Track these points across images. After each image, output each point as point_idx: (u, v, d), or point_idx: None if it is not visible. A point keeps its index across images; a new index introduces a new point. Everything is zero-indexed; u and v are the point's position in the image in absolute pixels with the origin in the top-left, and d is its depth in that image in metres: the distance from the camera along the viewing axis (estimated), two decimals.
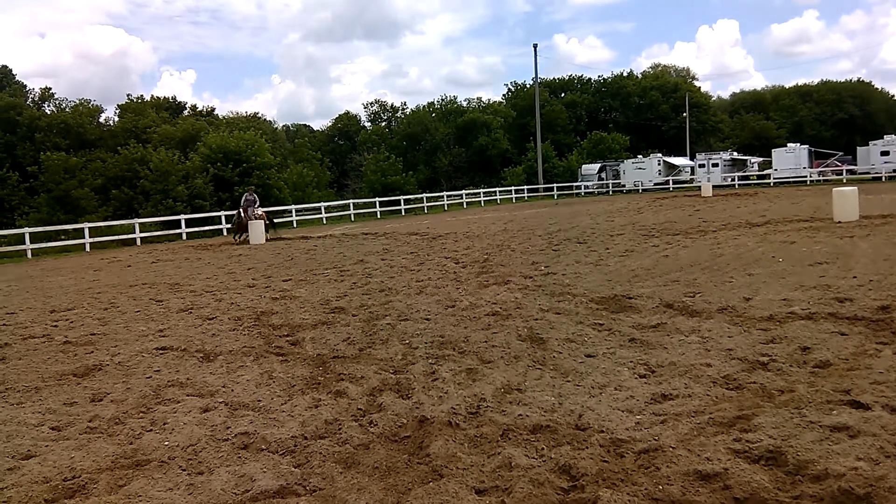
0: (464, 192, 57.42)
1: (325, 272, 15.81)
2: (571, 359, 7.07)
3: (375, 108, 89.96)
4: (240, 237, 29.10)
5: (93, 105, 60.77)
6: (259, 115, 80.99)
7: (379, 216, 45.81)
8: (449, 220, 35.61)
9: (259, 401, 6.37)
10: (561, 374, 6.57)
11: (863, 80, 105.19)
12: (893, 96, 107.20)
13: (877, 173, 55.36)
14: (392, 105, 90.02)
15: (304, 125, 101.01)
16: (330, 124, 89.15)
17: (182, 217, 35.78)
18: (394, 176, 54.17)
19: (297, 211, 42.46)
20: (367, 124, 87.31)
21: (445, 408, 5.75)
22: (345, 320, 9.89)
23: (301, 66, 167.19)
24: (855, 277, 10.41)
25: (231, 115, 74.83)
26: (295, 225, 40.93)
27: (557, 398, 5.88)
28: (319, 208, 44.11)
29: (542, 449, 4.86)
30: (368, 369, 7.14)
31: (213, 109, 73.28)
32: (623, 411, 5.48)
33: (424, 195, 52.27)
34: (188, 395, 6.65)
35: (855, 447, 4.44)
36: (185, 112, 68.55)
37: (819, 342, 6.99)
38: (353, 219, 44.27)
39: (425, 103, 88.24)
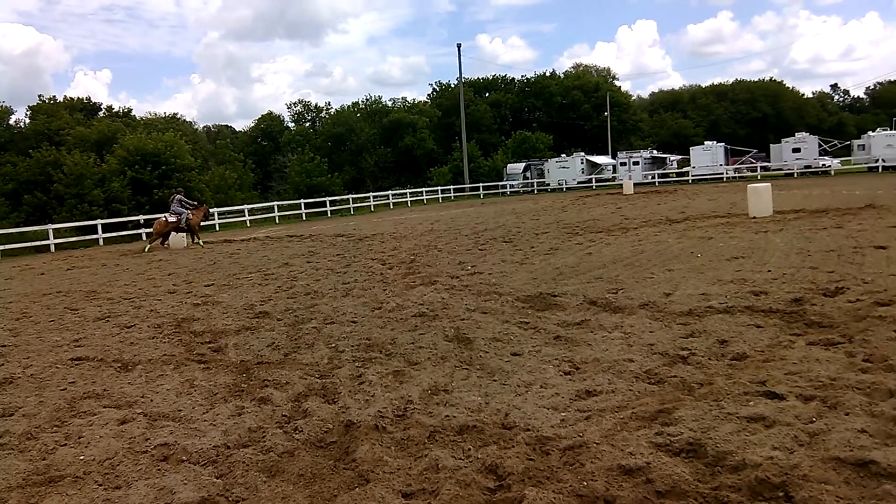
0: (390, 192, 57.25)
1: (249, 276, 15.53)
2: (498, 358, 7.11)
3: (299, 108, 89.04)
4: (164, 241, 27.20)
5: (2, 106, 58.38)
6: (178, 115, 79.21)
7: (304, 218, 45.29)
8: (375, 221, 35.47)
9: (179, 410, 6.20)
10: (487, 374, 6.60)
11: (775, 80, 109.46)
12: (803, 95, 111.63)
13: (789, 170, 57.47)
14: (316, 105, 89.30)
15: (226, 126, 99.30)
16: (252, 125, 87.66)
17: (99, 222, 34.63)
18: (319, 177, 53.65)
19: (219, 214, 41.60)
20: (291, 125, 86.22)
21: (372, 411, 5.70)
22: (269, 325, 9.72)
23: (221, 66, 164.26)
24: (769, 271, 10.77)
25: (149, 116, 72.98)
26: (217, 228, 40.11)
27: (484, 398, 5.90)
28: (243, 211, 43.29)
29: (469, 449, 4.87)
30: (293, 374, 7.03)
31: (130, 110, 71.26)
32: (548, 409, 5.53)
33: (350, 196, 52.01)
34: (105, 407, 6.42)
35: (770, 437, 4.58)
36: (101, 113, 66.38)
37: (736, 335, 7.20)
38: (277, 221, 43.64)
39: (350, 103, 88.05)
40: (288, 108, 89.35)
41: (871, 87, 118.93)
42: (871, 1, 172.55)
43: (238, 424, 5.70)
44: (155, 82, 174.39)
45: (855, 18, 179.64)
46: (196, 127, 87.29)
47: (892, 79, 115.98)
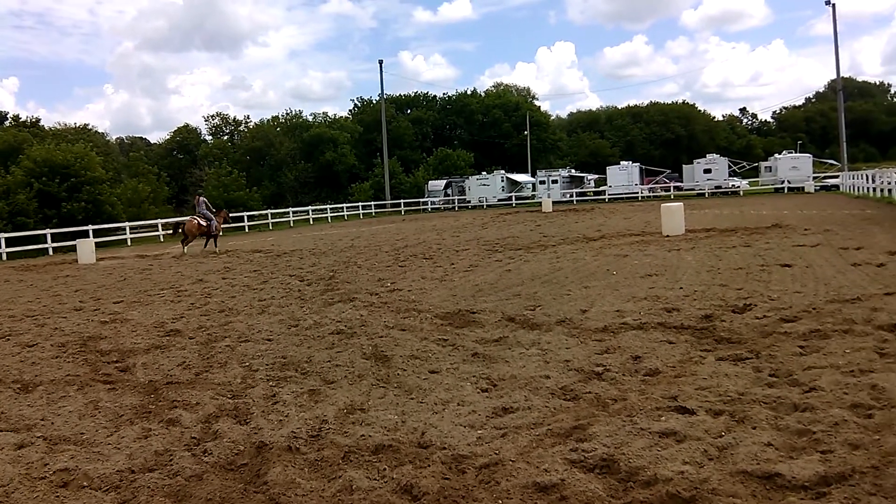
0: (310, 207, 56.72)
1: (161, 293, 15.06)
2: (415, 376, 7.05)
3: (217, 121, 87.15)
4: (186, 243, 26.96)
5: None
6: (90, 126, 76.54)
7: (221, 233, 44.32)
8: (295, 237, 35.02)
9: (82, 433, 5.92)
10: (405, 392, 6.53)
11: (687, 103, 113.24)
12: (714, 118, 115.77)
13: (700, 190, 59.51)
14: (235, 118, 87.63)
15: (140, 138, 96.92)
16: (168, 137, 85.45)
17: (2, 236, 33.12)
18: (237, 191, 52.84)
19: (131, 228, 40.40)
20: (209, 138, 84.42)
21: (285, 432, 5.56)
22: (180, 343, 9.42)
23: (136, 76, 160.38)
24: (681, 288, 11.05)
25: (59, 127, 70.39)
26: (129, 243, 38.93)
27: (401, 416, 5.83)
28: (156, 225, 42.13)
29: (384, 469, 4.78)
30: (204, 395, 6.81)
31: (38, 120, 68.59)
32: (465, 426, 5.49)
33: (269, 211, 51.24)
34: (1, 431, 6.08)
35: (681, 451, 4.65)
36: (7, 123, 63.75)
37: (649, 351, 7.33)
38: None
39: (270, 117, 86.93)
40: (205, 120, 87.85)
41: (777, 111, 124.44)
42: (776, 30, 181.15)
43: (144, 447, 5.47)
44: (66, 92, 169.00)
45: (762, 45, 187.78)
46: (108, 138, 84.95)
47: (797, 104, 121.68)
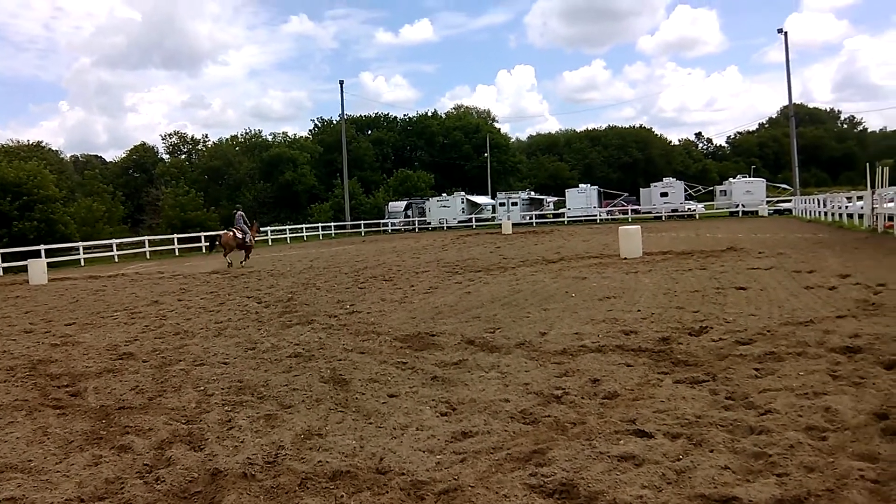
0: (269, 228, 56.22)
1: (115, 315, 14.76)
2: (374, 399, 6.98)
3: (175, 139, 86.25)
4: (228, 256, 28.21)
5: None
6: (43, 144, 75.14)
7: (177, 254, 43.77)
8: (253, 258, 34.61)
9: (30, 461, 5.74)
10: (363, 416, 6.46)
11: (644, 127, 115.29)
12: (671, 142, 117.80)
13: (657, 213, 60.43)
14: (193, 137, 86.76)
15: (96, 156, 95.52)
16: (124, 156, 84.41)
17: None
18: (194, 211, 52.19)
19: (84, 248, 39.66)
20: (166, 156, 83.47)
21: (241, 458, 5.45)
22: (134, 367, 9.22)
23: (93, 93, 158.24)
24: (639, 311, 11.14)
25: (10, 144, 68.99)
26: (83, 263, 38.18)
27: (359, 441, 5.75)
28: (111, 245, 41.40)
29: (342, 496, 4.71)
30: (158, 420, 6.66)
31: None
32: (424, 451, 5.44)
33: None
34: None
35: (640, 475, 4.65)
36: None
37: (608, 374, 7.35)
38: (148, 256, 42.01)
39: (228, 136, 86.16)
40: (163, 139, 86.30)
41: (732, 136, 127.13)
42: (731, 56, 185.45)
43: (94, 475, 5.32)
44: (20, 108, 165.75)
45: (717, 72, 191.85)
46: (63, 156, 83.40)
47: (751, 129, 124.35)
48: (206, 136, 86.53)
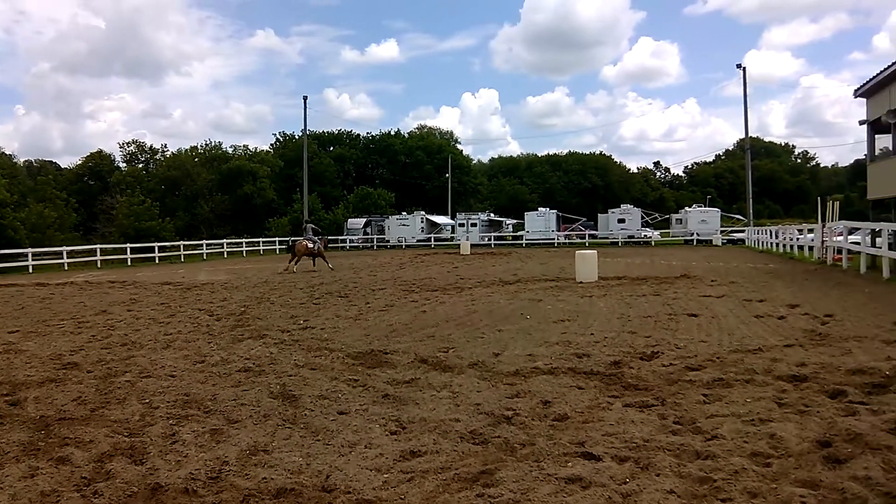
0: (225, 241, 55.59)
1: (61, 323, 14.41)
2: (323, 416, 6.89)
3: (133, 148, 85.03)
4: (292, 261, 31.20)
5: None
6: None
7: (130, 263, 43.00)
8: (207, 270, 34.19)
9: None
10: (311, 433, 6.36)
11: (604, 154, 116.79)
12: (629, 169, 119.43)
13: (614, 239, 61.17)
14: (151, 146, 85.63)
15: (50, 162, 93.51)
16: (80, 162, 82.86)
17: None
18: (149, 221, 51.39)
19: (34, 255, 38.71)
20: (123, 165, 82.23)
21: (183, 473, 5.32)
22: (77, 377, 8.98)
23: (50, 98, 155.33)
24: (592, 334, 11.21)
25: None
26: (31, 270, 37.27)
27: (305, 459, 5.66)
28: (61, 252, 40.52)
29: None
30: (99, 432, 6.48)
31: None
32: (371, 470, 5.37)
33: (182, 243, 49.95)
34: None
35: (586, 498, 4.65)
36: None
37: (559, 396, 7.36)
38: (99, 265, 41.18)
39: (188, 147, 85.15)
40: (121, 147, 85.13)
41: (689, 166, 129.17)
42: (691, 89, 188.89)
43: (29, 488, 5.14)
44: None
45: (676, 103, 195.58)
46: (16, 161, 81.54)
47: (707, 160, 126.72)
48: (165, 146, 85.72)
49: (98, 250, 43.06)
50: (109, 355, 10.52)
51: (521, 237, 65.42)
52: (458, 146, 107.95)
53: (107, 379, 8.85)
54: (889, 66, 22.27)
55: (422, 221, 68.74)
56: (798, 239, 34.95)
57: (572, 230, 67.45)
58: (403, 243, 65.76)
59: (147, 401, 7.64)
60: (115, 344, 11.60)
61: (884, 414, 6.20)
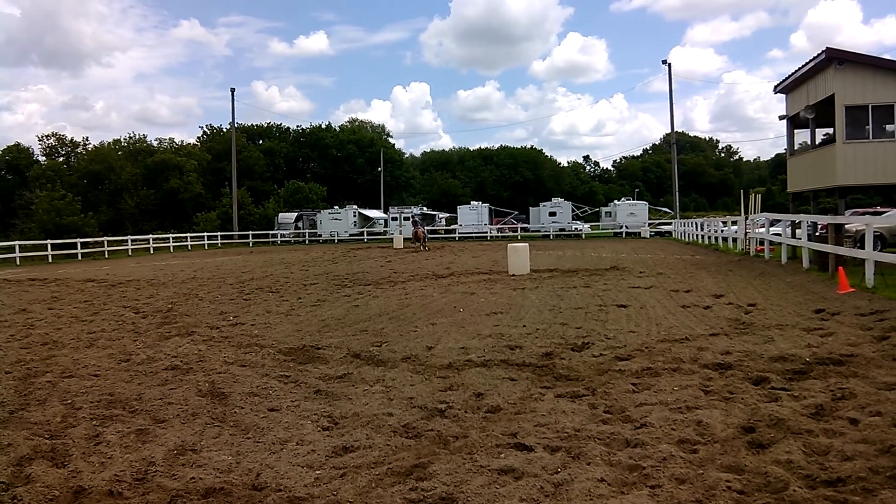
0: (151, 236, 54.18)
1: None
2: (253, 414, 6.77)
3: (52, 141, 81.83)
4: (422, 246, 41.29)
5: None
6: None
7: (51, 260, 41.54)
8: (133, 266, 33.28)
9: None
10: (241, 431, 6.25)
11: (535, 148, 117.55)
12: (559, 163, 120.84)
13: (546, 232, 61.87)
14: (72, 139, 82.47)
15: None
16: None
17: None
18: (70, 216, 49.77)
19: None
20: (42, 158, 79.20)
21: (107, 475, 5.16)
22: None
23: None
24: (524, 326, 11.31)
25: None
26: None
27: (235, 457, 5.56)
28: None
29: None
30: (18, 435, 6.22)
31: None
32: (303, 467, 5.30)
33: (106, 238, 48.44)
34: None
35: (519, 489, 4.68)
36: None
37: (492, 388, 7.40)
38: (18, 263, 39.67)
39: (111, 140, 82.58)
40: (40, 140, 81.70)
41: (618, 160, 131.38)
42: (618, 84, 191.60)
43: None
44: None
45: (605, 98, 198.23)
46: None
47: (635, 154, 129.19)
48: (87, 139, 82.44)
49: (17, 247, 41.49)
50: (29, 355, 10.15)
51: (453, 230, 65.60)
52: (390, 140, 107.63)
53: (26, 380, 8.53)
54: (806, 64, 23.04)
55: (354, 215, 68.30)
56: (722, 231, 35.94)
57: (504, 223, 67.99)
58: (336, 238, 65.23)
59: (69, 401, 7.39)
60: (35, 343, 11.20)
61: (804, 399, 6.41)
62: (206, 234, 60.41)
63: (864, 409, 6.01)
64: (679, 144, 71.69)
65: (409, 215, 57.90)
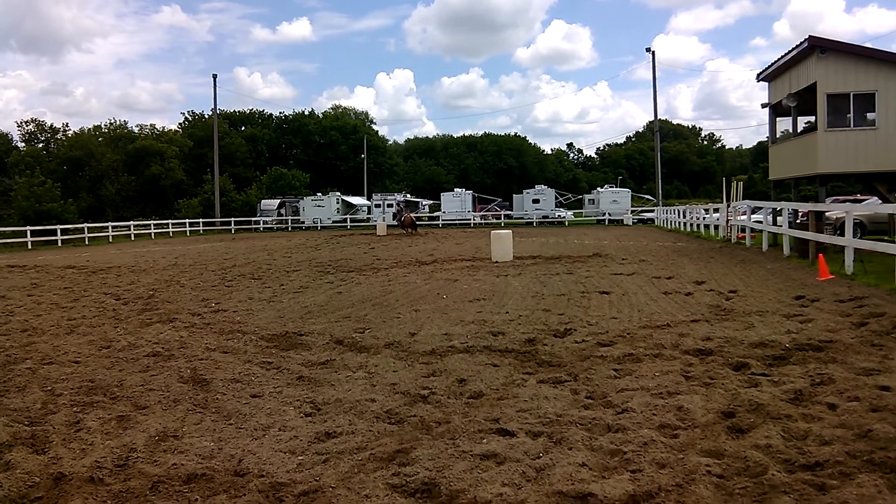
0: (132, 223, 53.78)
1: None
2: (235, 400, 6.75)
3: (32, 127, 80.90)
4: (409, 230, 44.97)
5: None
6: None
7: (30, 247, 41.15)
8: (113, 253, 33.02)
9: None
10: (223, 417, 6.23)
11: (519, 135, 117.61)
12: (543, 151, 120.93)
13: (529, 219, 61.98)
14: (52, 126, 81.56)
15: None
16: None
17: None
18: (50, 203, 49.28)
19: None
20: (21, 145, 78.34)
21: (88, 462, 5.13)
22: None
23: None
24: (507, 313, 11.33)
25: None
26: None
27: (217, 443, 5.54)
28: None
29: (196, 500, 4.51)
30: None
31: None
32: (285, 453, 5.30)
33: (86, 225, 48.03)
34: None
35: (501, 473, 4.69)
36: None
37: (474, 374, 7.42)
38: None
39: (91, 126, 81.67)
40: (19, 126, 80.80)
41: (601, 147, 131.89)
42: (602, 72, 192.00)
43: None
44: None
45: (589, 86, 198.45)
46: None
47: (619, 142, 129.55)
48: (67, 126, 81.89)
49: None
50: (8, 342, 10.06)
51: (437, 217, 65.56)
52: (374, 127, 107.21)
53: (5, 366, 8.46)
54: (789, 52, 23.12)
55: (337, 202, 68.14)
56: (704, 218, 36.16)
57: (488, 210, 68.03)
58: (319, 224, 65.04)
59: (49, 388, 7.34)
60: (14, 330, 11.10)
61: (784, 385, 6.48)
62: (187, 220, 60.05)
63: (843, 395, 6.08)
64: (662, 132, 71.89)
65: (393, 203, 59.52)
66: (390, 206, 65.79)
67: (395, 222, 49.66)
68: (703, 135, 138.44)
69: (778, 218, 24.13)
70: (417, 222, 65.31)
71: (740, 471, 4.61)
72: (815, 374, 6.75)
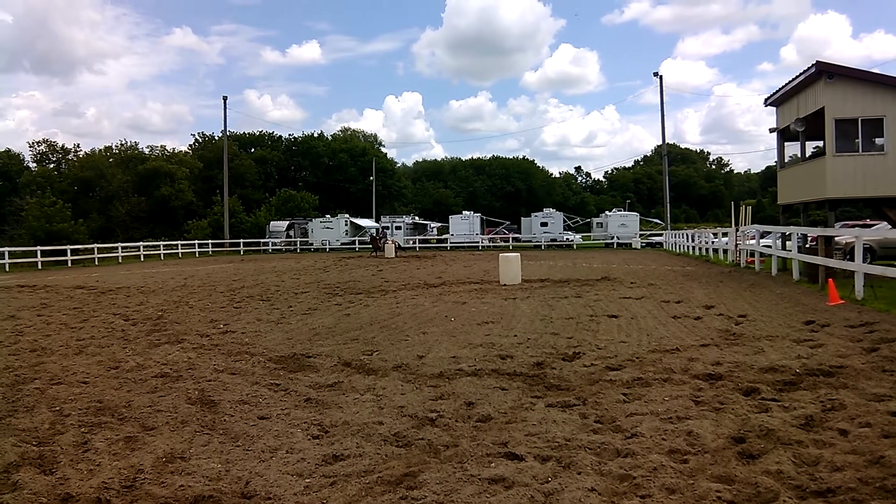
0: (141, 243, 54.01)
1: None
2: (243, 422, 6.74)
3: (43, 147, 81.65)
4: (376, 254, 46.83)
5: None
6: None
7: (40, 267, 41.36)
8: (123, 274, 33.14)
9: None
10: (231, 439, 6.22)
11: (527, 158, 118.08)
12: (551, 174, 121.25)
13: (537, 242, 61.98)
14: (63, 146, 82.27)
15: None
16: None
17: None
18: (61, 223, 49.55)
19: None
20: (33, 165, 79.02)
21: (95, 482, 5.12)
22: None
23: None
24: (515, 336, 11.30)
25: None
26: None
27: (224, 465, 5.52)
28: None
29: None
30: (6, 442, 6.17)
31: None
32: (293, 475, 5.28)
33: (96, 245, 48.28)
34: None
35: (509, 498, 4.66)
36: None
37: (482, 397, 7.39)
38: (7, 269, 39.48)
39: (102, 147, 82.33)
40: (30, 146, 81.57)
41: (609, 171, 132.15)
42: (610, 96, 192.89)
43: None
44: None
45: (596, 110, 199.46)
46: None
47: (627, 165, 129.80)
48: (78, 146, 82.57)
49: (6, 253, 41.27)
50: (17, 361, 10.08)
51: (445, 240, 65.62)
52: (382, 149, 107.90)
53: (14, 386, 8.47)
54: (796, 77, 23.17)
55: (346, 224, 68.28)
56: (713, 242, 36.05)
57: (496, 233, 68.09)
58: (327, 246, 65.15)
59: (57, 408, 7.34)
60: (23, 350, 11.13)
61: (794, 410, 6.43)
62: (196, 241, 60.23)
63: (854, 420, 6.03)
64: (670, 156, 71.98)
65: (369, 231, 62.72)
66: (399, 228, 66.00)
67: (370, 246, 52.85)
68: (711, 159, 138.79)
69: (787, 242, 24.06)
70: (423, 245, 65.66)
71: (751, 497, 4.57)
72: (826, 400, 6.70)
